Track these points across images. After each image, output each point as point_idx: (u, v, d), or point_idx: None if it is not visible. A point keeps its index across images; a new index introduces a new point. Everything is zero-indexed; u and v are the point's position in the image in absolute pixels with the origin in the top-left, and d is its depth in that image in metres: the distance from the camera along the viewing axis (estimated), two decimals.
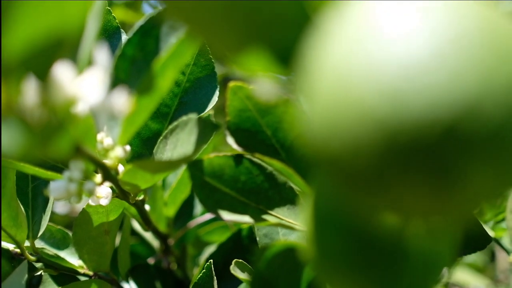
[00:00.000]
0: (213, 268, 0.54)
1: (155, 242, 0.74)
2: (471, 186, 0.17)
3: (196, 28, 0.23)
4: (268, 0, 0.23)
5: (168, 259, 0.70)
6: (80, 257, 0.58)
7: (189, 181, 0.57)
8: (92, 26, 0.31)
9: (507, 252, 0.77)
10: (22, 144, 0.25)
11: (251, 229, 0.64)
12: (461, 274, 1.25)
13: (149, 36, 0.43)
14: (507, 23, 0.18)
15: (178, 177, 0.66)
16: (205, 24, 0.22)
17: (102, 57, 0.31)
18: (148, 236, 0.75)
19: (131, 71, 0.42)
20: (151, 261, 0.72)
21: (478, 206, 0.20)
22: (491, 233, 0.78)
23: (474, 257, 1.28)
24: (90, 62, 0.31)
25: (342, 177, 0.19)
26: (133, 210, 0.60)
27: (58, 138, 0.27)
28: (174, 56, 0.38)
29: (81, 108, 0.29)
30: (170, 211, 0.67)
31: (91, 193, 0.43)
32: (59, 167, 0.49)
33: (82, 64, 0.30)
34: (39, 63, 0.24)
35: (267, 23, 0.23)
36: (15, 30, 0.22)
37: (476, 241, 0.56)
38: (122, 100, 0.33)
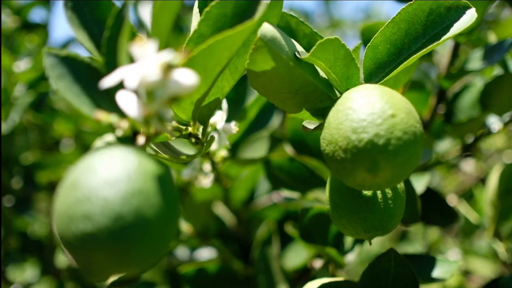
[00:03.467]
0: (272, 229, 0.83)
1: (226, 218, 1.04)
2: (384, 172, 0.45)
3: (268, 96, 0.53)
4: (311, 89, 0.52)
5: (240, 229, 1.00)
6: (187, 221, 0.88)
7: (255, 176, 0.87)
8: None
9: None
10: (194, 153, 0.55)
11: (295, 211, 0.93)
12: (474, 263, 1.49)
13: (241, 85, 0.73)
14: (403, 101, 0.47)
15: (248, 172, 0.95)
16: (274, 95, 0.52)
17: (224, 105, 0.62)
18: (222, 214, 1.04)
19: (231, 107, 0.72)
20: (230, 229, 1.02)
21: (392, 184, 0.48)
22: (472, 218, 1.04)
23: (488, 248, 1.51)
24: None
25: (334, 166, 0.48)
26: (217, 192, 0.90)
27: (208, 147, 0.57)
28: (256, 100, 0.68)
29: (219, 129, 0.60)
30: (242, 194, 0.97)
31: (205, 176, 0.74)
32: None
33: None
34: (206, 113, 0.54)
35: (307, 96, 0.52)
36: (205, 101, 0.51)
37: (446, 217, 0.83)
38: (232, 126, 0.63)
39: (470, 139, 0.94)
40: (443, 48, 0.86)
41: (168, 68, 0.37)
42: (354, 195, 0.56)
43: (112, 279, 0.73)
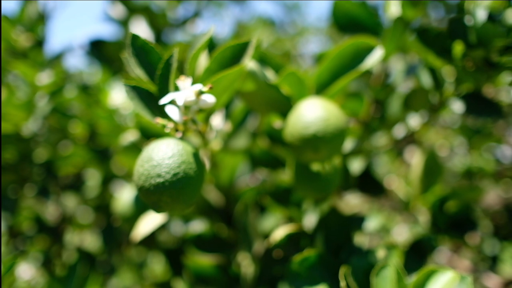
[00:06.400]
0: (249, 204, 1.13)
1: (215, 196, 1.32)
2: (322, 152, 0.75)
3: (251, 106, 0.83)
4: (278, 101, 0.82)
5: (226, 204, 1.29)
6: None
7: (238, 163, 1.17)
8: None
9: None
10: (199, 145, 0.84)
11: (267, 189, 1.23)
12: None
13: (233, 103, 1.03)
14: (335, 109, 0.77)
15: (233, 160, 1.24)
16: (256, 106, 0.81)
17: (222, 112, 0.91)
18: (213, 193, 1.33)
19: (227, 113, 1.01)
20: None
21: (328, 159, 0.79)
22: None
23: None
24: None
25: (293, 149, 0.78)
26: (209, 176, 1.19)
27: (212, 140, 0.86)
28: (241, 109, 0.97)
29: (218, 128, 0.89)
30: (228, 176, 1.25)
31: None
32: None
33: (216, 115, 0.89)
34: (207, 116, 0.84)
35: (276, 106, 0.82)
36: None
37: (377, 190, 1.14)
38: (227, 125, 0.92)
39: (400, 135, 1.26)
40: (375, 67, 1.17)
41: (199, 93, 0.66)
42: (307, 170, 0.86)
43: (140, 238, 1.02)
